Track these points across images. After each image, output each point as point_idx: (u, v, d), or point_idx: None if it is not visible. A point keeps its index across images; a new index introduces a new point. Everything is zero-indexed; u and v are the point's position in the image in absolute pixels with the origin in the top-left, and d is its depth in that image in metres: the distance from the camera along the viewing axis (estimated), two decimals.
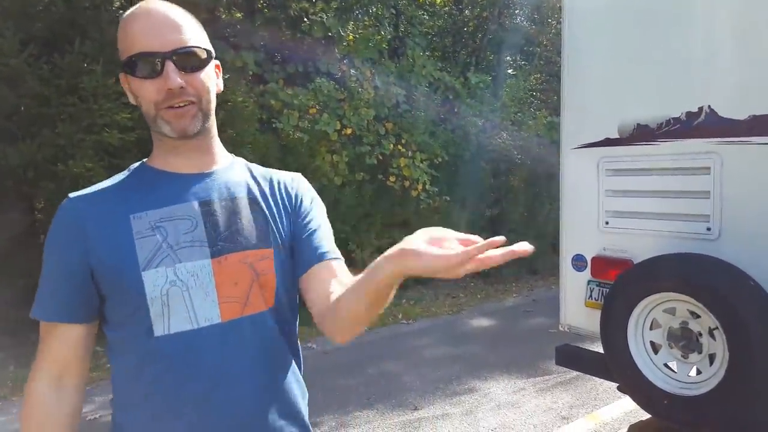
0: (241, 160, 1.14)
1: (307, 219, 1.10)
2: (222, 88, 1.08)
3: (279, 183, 1.11)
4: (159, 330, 0.95)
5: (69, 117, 5.08)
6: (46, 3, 5.31)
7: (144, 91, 0.96)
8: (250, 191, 1.07)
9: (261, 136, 6.21)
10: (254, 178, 1.10)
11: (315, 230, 1.09)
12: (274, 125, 6.31)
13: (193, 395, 0.96)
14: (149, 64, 0.94)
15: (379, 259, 0.89)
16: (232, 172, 1.08)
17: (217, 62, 1.07)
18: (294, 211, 1.10)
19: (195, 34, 0.98)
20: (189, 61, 0.96)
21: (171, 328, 0.95)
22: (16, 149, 4.90)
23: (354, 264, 6.88)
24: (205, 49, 0.99)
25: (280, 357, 1.06)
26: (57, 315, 0.99)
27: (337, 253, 1.09)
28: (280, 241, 1.05)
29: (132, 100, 1.03)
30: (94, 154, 5.05)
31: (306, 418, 1.10)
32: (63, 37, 5.22)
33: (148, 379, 0.97)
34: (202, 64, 0.98)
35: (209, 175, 1.04)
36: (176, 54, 0.94)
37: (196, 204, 1.00)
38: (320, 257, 1.06)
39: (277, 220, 1.07)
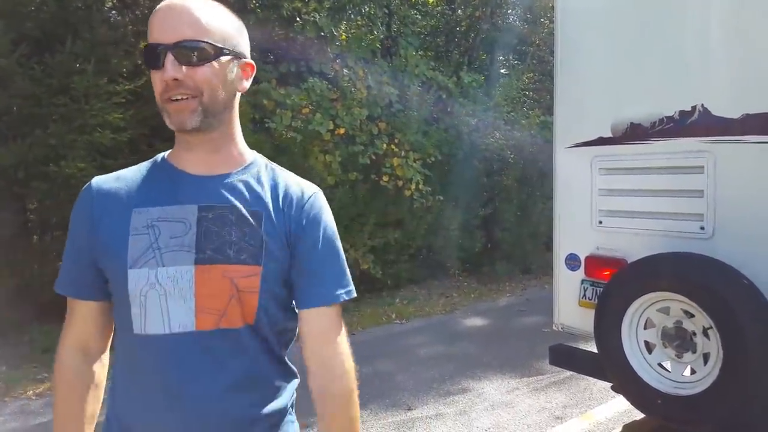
0: (262, 163, 1.09)
1: (310, 254, 1.04)
2: (246, 88, 1.07)
3: (293, 201, 1.04)
4: (138, 328, 0.98)
5: (61, 117, 5.04)
6: (38, 2, 5.28)
7: (153, 82, 0.98)
8: (255, 203, 1.02)
9: (254, 136, 6.18)
10: (268, 188, 1.05)
11: (314, 270, 1.04)
12: (267, 125, 6.29)
13: (161, 398, 0.97)
14: (153, 55, 0.95)
15: None
16: (246, 178, 1.04)
17: (250, 62, 1.06)
18: (297, 238, 1.03)
19: (210, 30, 0.96)
20: (191, 54, 0.95)
21: (146, 329, 0.97)
22: (8, 149, 4.86)
23: (347, 263, 6.85)
24: (213, 44, 0.96)
25: (258, 377, 1.02)
26: (69, 290, 1.06)
27: (336, 290, 1.05)
28: (272, 263, 1.00)
29: None
30: (86, 154, 5.02)
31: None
32: (54, 37, 5.18)
33: (128, 371, 1.01)
34: (206, 58, 0.96)
35: (219, 178, 1.02)
36: (178, 46, 0.94)
37: (195, 208, 0.99)
38: (324, 301, 1.03)
39: (276, 240, 1.01)
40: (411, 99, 7.31)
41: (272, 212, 1.03)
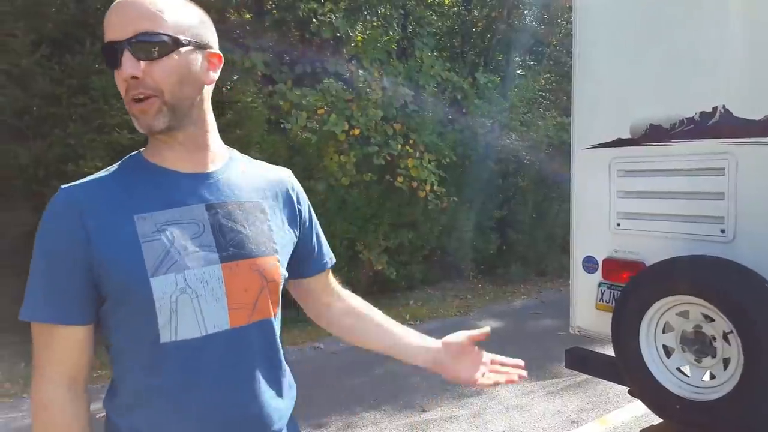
0: (238, 155, 1.10)
1: (308, 225, 1.17)
2: (214, 80, 1.01)
3: (280, 184, 1.11)
4: (166, 337, 0.92)
5: (80, 117, 5.11)
6: (58, 4, 5.35)
7: (118, 85, 0.93)
8: (256, 194, 1.05)
9: (269, 137, 6.21)
10: (256, 179, 1.08)
11: (317, 236, 1.20)
12: (282, 126, 6.31)
13: (196, 401, 0.94)
14: (111, 53, 0.90)
15: (424, 345, 1.24)
16: (234, 172, 1.05)
17: (214, 52, 1.00)
18: (296, 216, 1.12)
19: (167, 21, 0.91)
20: (148, 48, 0.89)
21: (178, 335, 0.93)
22: (27, 148, 4.94)
23: (360, 266, 6.87)
24: (172, 35, 0.91)
25: (278, 360, 1.07)
26: (53, 316, 0.93)
27: (331, 253, 1.25)
28: (281, 248, 1.05)
29: None
30: (104, 154, 5.07)
31: (294, 420, 1.13)
32: (74, 38, 5.25)
33: (151, 385, 0.94)
34: (165, 51, 0.91)
35: (212, 175, 1.01)
36: (134, 41, 0.89)
37: (201, 207, 0.98)
38: (325, 266, 1.22)
39: (281, 226, 1.07)
40: (426, 100, 7.29)
41: (270, 201, 1.08)
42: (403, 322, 5.70)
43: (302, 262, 1.16)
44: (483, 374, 1.19)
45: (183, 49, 0.93)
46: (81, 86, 5.10)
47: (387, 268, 6.96)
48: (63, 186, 0.96)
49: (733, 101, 2.16)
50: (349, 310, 1.25)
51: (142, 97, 0.91)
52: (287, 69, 6.86)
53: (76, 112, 5.10)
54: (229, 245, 0.98)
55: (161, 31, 0.90)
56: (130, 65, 0.89)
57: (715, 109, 2.22)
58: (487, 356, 1.23)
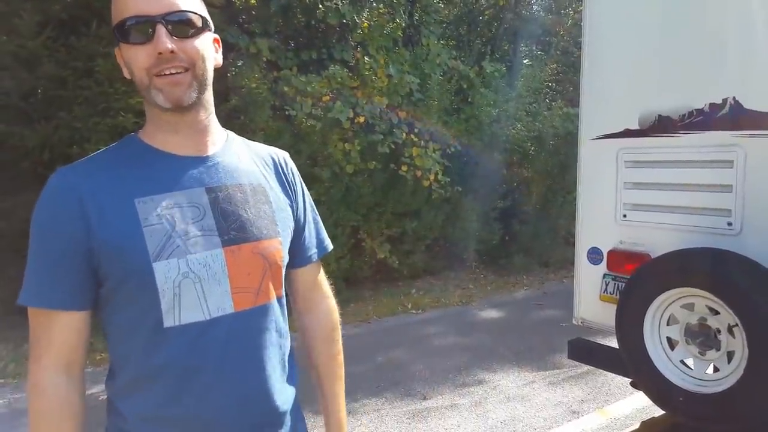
0: (235, 137, 1.10)
1: (305, 206, 1.16)
2: (221, 63, 1.04)
3: (279, 167, 1.12)
4: (169, 321, 0.92)
5: (85, 100, 5.10)
6: None
7: (135, 58, 0.92)
8: (254, 178, 1.05)
9: (274, 123, 6.20)
10: (254, 161, 1.08)
11: (312, 222, 1.18)
12: (287, 112, 6.29)
13: (200, 384, 0.95)
14: (140, 28, 0.90)
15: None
16: (232, 154, 1.05)
17: (216, 36, 1.03)
18: (295, 200, 1.12)
19: (195, 1, 0.95)
20: (182, 26, 0.92)
21: (182, 319, 0.93)
22: (33, 131, 4.94)
23: (364, 254, 6.88)
24: (201, 15, 0.95)
25: (282, 343, 1.06)
26: (61, 302, 0.93)
27: (327, 240, 1.23)
28: (283, 230, 1.05)
29: (126, 74, 0.98)
30: (109, 137, 5.07)
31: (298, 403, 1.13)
32: (80, 20, 5.23)
33: (153, 368, 0.94)
34: (197, 31, 0.94)
35: (211, 158, 1.01)
36: (168, 18, 0.90)
37: (202, 191, 0.97)
38: (323, 250, 1.21)
39: (282, 208, 1.07)
40: (432, 88, 7.24)
41: (270, 183, 1.08)
42: (406, 310, 5.73)
43: (297, 247, 1.15)
44: None
45: (207, 30, 0.97)
46: (86, 69, 5.09)
47: (390, 256, 6.96)
48: (60, 168, 0.96)
49: (743, 93, 2.14)
50: (320, 338, 1.21)
51: (174, 71, 0.92)
52: (293, 55, 6.82)
53: (81, 95, 5.09)
54: (231, 229, 0.97)
55: (194, 10, 0.93)
56: (168, 40, 0.90)
57: (725, 100, 2.19)
58: None
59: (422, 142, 6.97)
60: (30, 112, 5.11)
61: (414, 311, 6.26)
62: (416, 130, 7.01)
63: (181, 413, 0.94)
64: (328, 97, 6.37)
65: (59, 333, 0.94)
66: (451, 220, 7.77)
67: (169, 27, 0.90)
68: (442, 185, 7.12)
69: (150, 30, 0.90)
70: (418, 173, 6.92)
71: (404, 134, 6.85)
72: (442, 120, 7.42)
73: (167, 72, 0.91)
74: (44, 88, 5.15)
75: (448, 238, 7.97)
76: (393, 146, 6.80)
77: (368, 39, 6.99)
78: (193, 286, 0.93)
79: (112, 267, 0.92)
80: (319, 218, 1.22)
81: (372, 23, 7.06)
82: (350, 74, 6.64)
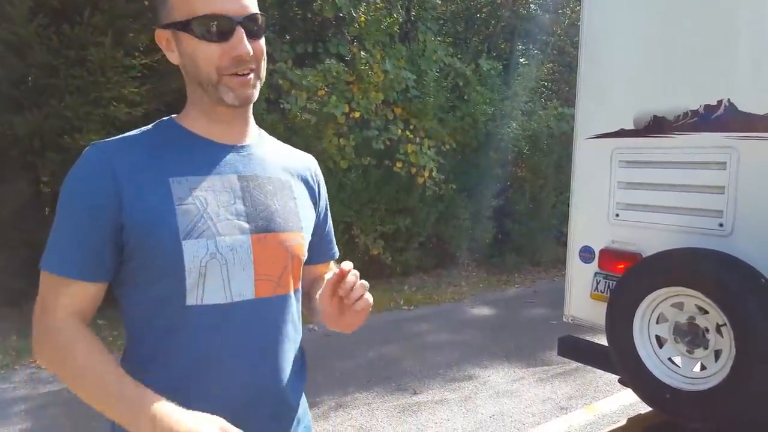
0: (265, 134, 1.14)
1: (325, 213, 1.20)
2: None
3: (305, 169, 1.15)
4: (192, 300, 0.93)
5: (77, 89, 5.05)
6: None
7: (206, 54, 0.93)
8: (284, 173, 1.08)
9: (268, 116, 6.17)
10: (284, 159, 1.11)
11: (329, 226, 1.23)
12: (281, 105, 6.26)
13: (218, 364, 0.96)
14: (221, 27, 0.92)
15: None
16: (266, 147, 1.08)
17: None
18: (317, 202, 1.16)
19: (258, 6, 0.98)
20: (255, 27, 0.95)
21: (204, 299, 0.94)
22: (23, 118, 4.88)
23: (357, 250, 6.86)
24: (264, 15, 0.98)
25: (296, 335, 1.08)
26: (76, 272, 0.92)
27: (336, 248, 1.28)
28: (306, 226, 1.08)
29: (174, 60, 0.99)
30: (101, 127, 5.03)
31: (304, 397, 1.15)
32: (73, 8, 5.17)
33: (172, 345, 0.95)
34: (262, 31, 0.97)
35: (246, 148, 1.04)
36: (248, 19, 0.93)
37: (235, 178, 0.99)
38: (332, 256, 1.24)
39: (305, 206, 1.10)
40: (428, 85, 7.23)
41: (298, 181, 1.11)
42: (398, 306, 5.73)
43: (313, 247, 1.15)
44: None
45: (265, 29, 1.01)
46: (79, 58, 5.03)
47: (383, 253, 6.96)
48: (95, 142, 0.97)
49: (738, 95, 2.15)
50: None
51: (245, 72, 0.95)
52: (288, 48, 6.78)
53: (73, 84, 5.04)
54: (259, 217, 0.99)
55: (261, 11, 0.97)
56: (247, 44, 0.93)
57: (719, 102, 2.20)
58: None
59: (417, 138, 6.97)
60: (21, 99, 5.05)
61: (406, 307, 6.27)
62: (411, 127, 7.00)
63: (197, 391, 0.94)
64: (323, 91, 6.35)
65: (68, 296, 0.94)
66: (445, 217, 7.78)
67: (247, 29, 0.93)
68: (437, 182, 7.12)
69: (227, 30, 0.92)
70: (413, 170, 6.92)
71: (399, 130, 6.83)
72: (437, 117, 7.41)
73: (240, 73, 0.94)
74: (35, 76, 5.09)
75: (441, 235, 7.98)
76: (388, 142, 6.79)
77: (365, 33, 6.96)
78: (219, 267, 0.94)
79: (141, 243, 0.92)
80: (332, 226, 1.26)
81: (369, 18, 7.02)
82: (346, 69, 6.61)
